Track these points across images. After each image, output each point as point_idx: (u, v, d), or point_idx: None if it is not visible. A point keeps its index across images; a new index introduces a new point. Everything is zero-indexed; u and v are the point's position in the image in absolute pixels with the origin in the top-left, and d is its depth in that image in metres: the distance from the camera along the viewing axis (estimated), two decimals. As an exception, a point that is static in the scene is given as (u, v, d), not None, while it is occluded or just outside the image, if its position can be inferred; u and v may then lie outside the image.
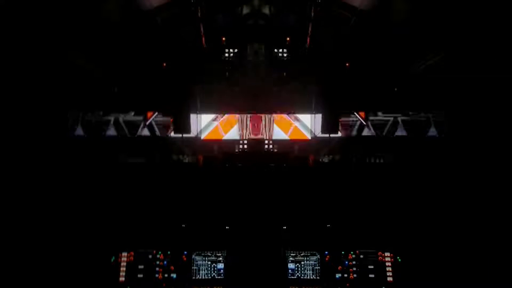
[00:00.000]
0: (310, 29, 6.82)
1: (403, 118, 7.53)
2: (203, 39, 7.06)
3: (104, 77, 6.85)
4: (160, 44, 6.81)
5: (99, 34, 5.79)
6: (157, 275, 5.37)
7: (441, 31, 5.56)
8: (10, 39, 4.89)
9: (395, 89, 7.10)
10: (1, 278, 5.02)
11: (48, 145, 6.10)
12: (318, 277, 5.42)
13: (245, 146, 7.16)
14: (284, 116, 7.60)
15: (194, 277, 5.42)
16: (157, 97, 7.08)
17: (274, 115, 7.59)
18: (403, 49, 6.31)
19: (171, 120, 7.24)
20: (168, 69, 7.14)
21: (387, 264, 5.44)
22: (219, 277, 5.42)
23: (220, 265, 5.46)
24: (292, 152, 7.30)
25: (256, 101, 7.47)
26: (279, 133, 7.54)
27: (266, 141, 7.33)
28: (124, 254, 5.45)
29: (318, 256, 5.49)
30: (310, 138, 7.49)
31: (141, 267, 5.40)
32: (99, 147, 6.75)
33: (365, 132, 7.75)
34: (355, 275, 5.40)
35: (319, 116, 7.27)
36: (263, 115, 7.53)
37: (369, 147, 6.94)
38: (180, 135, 7.15)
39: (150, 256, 5.46)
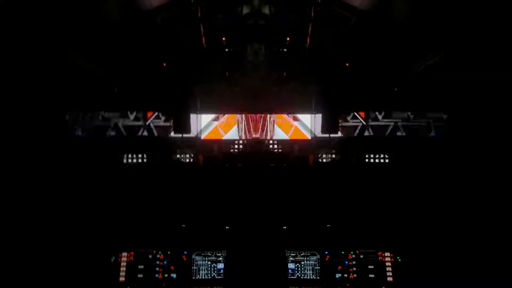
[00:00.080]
0: (310, 29, 6.82)
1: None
2: (203, 39, 7.06)
3: (104, 77, 6.85)
4: (160, 44, 6.81)
5: (99, 34, 5.79)
6: (157, 275, 5.37)
7: (441, 31, 5.56)
8: (10, 39, 4.88)
9: (395, 89, 7.10)
10: (1, 278, 5.02)
11: (48, 145, 6.09)
12: (318, 277, 5.42)
13: (245, 146, 7.16)
14: (285, 116, 7.61)
15: (194, 277, 5.41)
16: (157, 97, 7.08)
17: (275, 116, 7.59)
18: (403, 49, 6.31)
19: (171, 120, 7.25)
20: (168, 69, 7.14)
21: (387, 264, 5.44)
22: (219, 277, 5.42)
23: (220, 265, 5.45)
24: (292, 152, 7.30)
25: (256, 101, 7.47)
26: (279, 134, 7.55)
27: (266, 141, 7.33)
28: (124, 254, 5.45)
29: (318, 256, 5.49)
30: (310, 138, 7.49)
31: (141, 267, 5.40)
32: (99, 147, 6.74)
33: (365, 132, 7.78)
34: (355, 275, 5.39)
35: (319, 116, 7.28)
36: (263, 115, 7.53)
37: (369, 147, 6.93)
38: (180, 135, 7.15)
39: (150, 256, 5.45)
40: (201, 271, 5.44)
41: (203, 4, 6.33)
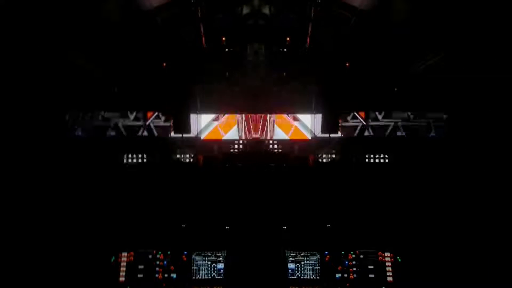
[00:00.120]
0: (310, 29, 6.82)
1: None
2: (203, 39, 7.06)
3: (104, 77, 6.85)
4: (160, 44, 6.81)
5: (99, 34, 5.79)
6: (157, 275, 5.37)
7: (441, 31, 5.56)
8: (10, 39, 4.88)
9: (395, 89, 7.10)
10: (1, 278, 5.02)
11: (48, 145, 6.09)
12: (318, 277, 5.42)
13: (245, 146, 7.16)
14: (285, 116, 7.61)
15: (194, 277, 5.41)
16: (157, 97, 7.09)
17: (275, 116, 7.59)
18: (403, 49, 6.31)
19: (171, 120, 7.25)
20: (168, 69, 7.14)
21: (387, 264, 5.44)
22: (219, 277, 5.42)
23: (220, 265, 5.45)
24: (292, 152, 7.30)
25: (256, 101, 7.47)
26: (280, 134, 7.55)
27: (266, 141, 7.34)
28: (124, 254, 5.45)
29: (318, 256, 5.49)
30: (310, 138, 7.49)
31: (141, 267, 5.40)
32: (99, 147, 6.74)
33: (365, 132, 7.78)
34: (355, 275, 5.39)
35: (319, 116, 7.28)
36: (263, 115, 7.53)
37: (369, 147, 6.93)
38: (180, 135, 7.15)
39: (150, 256, 5.45)
40: (201, 271, 5.44)
41: (203, 4, 6.33)
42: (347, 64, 7.15)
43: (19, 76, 5.54)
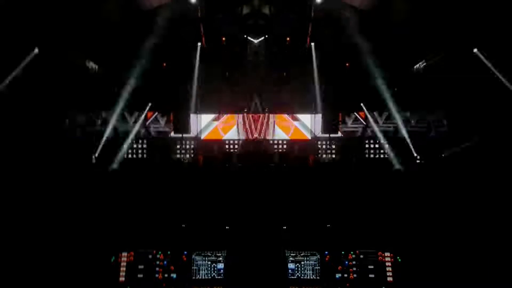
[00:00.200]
0: (310, 29, 6.82)
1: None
2: (203, 39, 7.06)
3: (104, 77, 6.86)
4: (160, 44, 6.81)
5: (99, 34, 5.79)
6: (157, 275, 5.36)
7: (441, 31, 5.56)
8: (10, 39, 4.88)
9: (395, 89, 7.10)
10: (2, 278, 5.01)
11: (48, 145, 6.10)
12: (318, 277, 5.41)
13: (245, 146, 7.17)
14: (285, 117, 7.61)
15: (194, 277, 5.40)
16: (157, 97, 7.09)
17: (275, 116, 7.59)
18: (403, 49, 6.32)
19: (171, 122, 7.26)
20: (168, 69, 7.15)
21: (387, 264, 5.42)
22: (219, 277, 5.41)
23: (220, 265, 5.44)
24: (292, 152, 7.30)
25: (256, 101, 7.48)
26: (280, 134, 7.55)
27: (266, 141, 7.33)
28: (124, 254, 5.43)
29: (318, 256, 5.48)
30: (310, 138, 7.49)
31: (141, 267, 5.39)
32: (99, 147, 6.75)
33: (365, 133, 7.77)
34: (355, 275, 5.38)
35: (319, 116, 7.28)
36: (263, 115, 7.53)
37: (369, 147, 6.94)
38: (180, 135, 7.16)
39: (150, 256, 5.44)
40: (201, 271, 5.44)
41: (203, 4, 6.34)
42: (347, 64, 7.16)
43: (20, 76, 5.54)
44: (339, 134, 7.28)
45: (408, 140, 7.17)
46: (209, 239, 5.60)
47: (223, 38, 7.23)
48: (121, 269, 5.35)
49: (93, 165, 6.30)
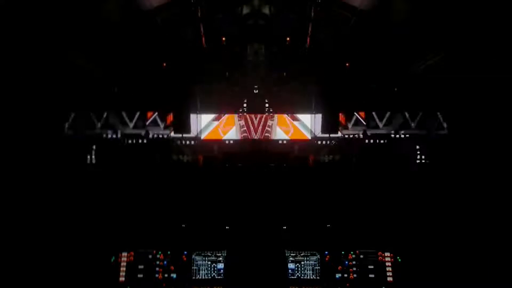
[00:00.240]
0: (310, 29, 6.82)
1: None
2: (203, 39, 7.06)
3: (104, 77, 6.85)
4: (160, 44, 6.81)
5: (99, 34, 5.79)
6: (157, 275, 5.37)
7: (441, 31, 5.56)
8: (11, 39, 4.88)
9: (395, 89, 7.10)
10: (1, 278, 5.01)
11: (48, 145, 6.10)
12: (318, 277, 5.42)
13: (245, 146, 7.17)
14: (285, 116, 7.61)
15: (194, 277, 5.41)
16: (157, 97, 7.09)
17: (275, 116, 7.59)
18: (403, 49, 6.31)
19: (171, 120, 7.25)
20: (168, 69, 7.14)
21: (387, 264, 5.43)
22: (219, 277, 5.42)
23: (220, 265, 5.45)
24: (292, 152, 7.30)
25: (256, 101, 7.48)
26: (280, 134, 7.55)
27: (266, 141, 7.33)
28: (124, 254, 5.45)
29: (318, 256, 5.49)
30: (310, 138, 7.49)
31: (141, 267, 5.40)
32: (99, 147, 6.75)
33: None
34: (355, 275, 5.39)
35: (319, 116, 7.28)
36: (263, 115, 7.53)
37: (368, 147, 6.94)
38: (180, 135, 7.15)
39: (150, 256, 5.45)
40: (201, 271, 5.44)
41: (203, 4, 6.33)
42: (347, 64, 7.15)
43: (20, 76, 5.54)
44: (339, 134, 7.27)
45: (408, 140, 7.16)
46: (209, 239, 5.61)
47: (223, 38, 7.22)
48: (121, 269, 5.37)
49: (93, 165, 6.30)
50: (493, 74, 5.61)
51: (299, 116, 7.56)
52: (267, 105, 7.52)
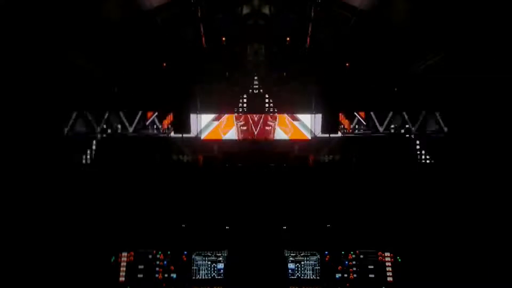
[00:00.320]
0: (310, 29, 6.82)
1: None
2: (203, 39, 7.06)
3: (104, 77, 6.85)
4: (160, 44, 6.81)
5: (99, 34, 5.79)
6: (157, 275, 5.37)
7: (441, 31, 5.55)
8: (11, 39, 4.88)
9: (395, 89, 7.10)
10: (1, 278, 5.01)
11: (48, 145, 6.10)
12: (318, 277, 5.42)
13: (245, 146, 7.16)
14: (285, 116, 7.60)
15: (194, 277, 5.42)
16: (157, 97, 7.08)
17: (277, 117, 7.59)
18: (403, 49, 6.31)
19: (171, 120, 7.25)
20: (168, 69, 7.14)
21: (387, 264, 5.44)
22: (219, 277, 5.42)
23: (220, 265, 5.46)
24: (292, 152, 7.29)
25: (256, 101, 7.48)
26: (279, 134, 7.54)
27: (266, 141, 7.33)
28: (124, 254, 5.45)
29: (318, 256, 5.49)
30: (310, 138, 7.49)
31: (141, 267, 5.40)
32: (99, 147, 6.75)
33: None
34: (355, 275, 5.40)
35: (319, 116, 7.27)
36: (263, 115, 7.53)
37: (368, 147, 6.94)
38: (180, 135, 7.15)
39: (150, 256, 5.46)
40: (201, 271, 5.45)
41: (203, 4, 6.33)
42: (347, 64, 7.15)
43: (20, 76, 5.54)
44: (339, 134, 7.27)
45: (409, 140, 7.16)
46: (209, 239, 5.61)
47: (223, 38, 7.21)
48: (121, 269, 5.37)
49: (93, 165, 6.30)
50: (493, 74, 5.61)
51: (299, 116, 7.56)
52: (267, 105, 7.52)
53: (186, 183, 6.19)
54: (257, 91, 7.48)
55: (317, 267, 5.46)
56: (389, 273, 5.39)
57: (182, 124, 7.03)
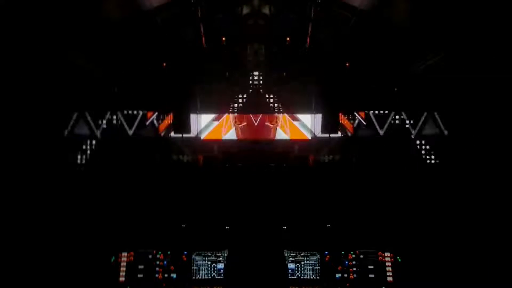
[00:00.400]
0: (310, 29, 6.82)
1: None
2: (203, 39, 7.06)
3: (104, 77, 6.85)
4: (160, 44, 6.81)
5: (99, 34, 5.79)
6: (157, 275, 5.37)
7: (441, 31, 5.55)
8: (11, 39, 4.88)
9: (395, 89, 7.10)
10: (1, 278, 5.02)
11: (48, 145, 6.09)
12: (318, 277, 5.42)
13: (245, 146, 7.16)
14: (285, 116, 7.60)
15: (194, 277, 5.42)
16: (157, 97, 7.09)
17: (279, 118, 7.59)
18: (403, 49, 6.31)
19: (171, 120, 7.25)
20: (168, 69, 7.14)
21: (387, 264, 5.44)
22: (219, 277, 5.42)
23: (220, 265, 5.46)
24: (292, 152, 7.30)
25: (256, 101, 7.48)
26: (280, 134, 7.54)
27: (266, 141, 7.33)
28: (124, 254, 5.45)
29: (318, 256, 5.49)
30: (310, 138, 7.49)
31: (141, 267, 5.40)
32: (99, 147, 6.75)
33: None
34: (355, 275, 5.40)
35: (319, 116, 7.27)
36: (262, 115, 7.53)
37: (368, 147, 6.94)
38: (180, 135, 7.15)
39: (150, 256, 5.46)
40: (201, 271, 5.45)
41: (203, 4, 6.33)
42: (347, 64, 7.15)
43: (20, 76, 5.54)
44: (339, 134, 7.27)
45: (409, 140, 7.17)
46: (209, 239, 5.62)
47: (223, 38, 7.21)
48: (121, 269, 5.37)
49: (92, 165, 6.30)
50: (493, 74, 5.61)
51: (299, 116, 7.56)
52: (267, 105, 7.52)
53: (186, 183, 6.19)
54: (257, 91, 7.48)
55: (317, 267, 5.46)
56: (389, 273, 5.39)
57: (182, 124, 7.03)
